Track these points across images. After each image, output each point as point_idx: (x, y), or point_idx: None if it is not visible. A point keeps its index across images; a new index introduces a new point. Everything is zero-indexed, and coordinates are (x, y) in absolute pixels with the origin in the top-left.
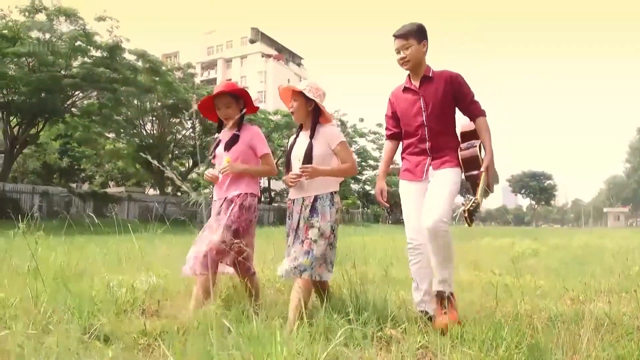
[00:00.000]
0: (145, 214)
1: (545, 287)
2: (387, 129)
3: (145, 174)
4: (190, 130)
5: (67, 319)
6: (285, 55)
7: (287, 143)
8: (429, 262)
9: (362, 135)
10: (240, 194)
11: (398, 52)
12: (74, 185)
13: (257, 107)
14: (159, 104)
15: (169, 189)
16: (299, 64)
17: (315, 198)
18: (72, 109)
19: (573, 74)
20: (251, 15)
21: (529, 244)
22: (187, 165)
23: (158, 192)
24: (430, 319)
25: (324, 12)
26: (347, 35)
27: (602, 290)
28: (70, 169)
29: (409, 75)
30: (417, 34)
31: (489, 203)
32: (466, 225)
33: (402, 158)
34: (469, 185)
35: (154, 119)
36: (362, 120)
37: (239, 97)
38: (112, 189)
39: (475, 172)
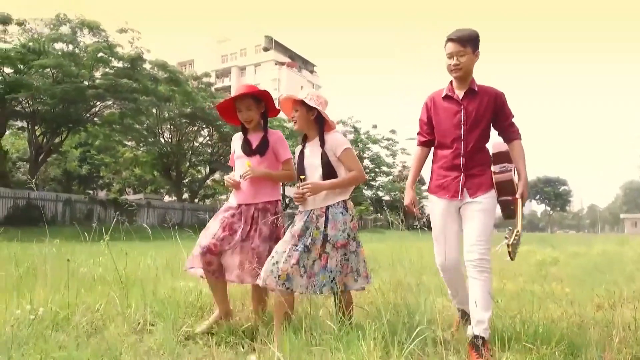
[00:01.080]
0: (164, 221)
1: (571, 294)
2: (420, 134)
3: (163, 181)
4: (207, 138)
5: (164, 320)
6: (298, 62)
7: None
8: (462, 274)
9: (375, 141)
10: (271, 201)
11: (451, 57)
12: (90, 192)
13: (279, 110)
14: (176, 112)
15: (186, 196)
16: (311, 71)
17: (327, 208)
18: (95, 119)
19: (588, 76)
20: (263, 21)
21: (550, 252)
22: (204, 172)
23: (175, 198)
24: (467, 319)
25: (335, 13)
26: (359, 35)
27: (626, 298)
28: (89, 176)
29: (451, 82)
30: (474, 41)
31: None
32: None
33: (433, 170)
34: (500, 208)
35: (171, 127)
36: (375, 126)
37: (260, 99)
38: (131, 196)
39: (509, 198)
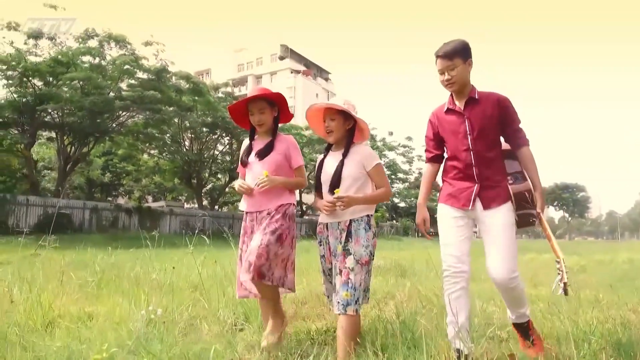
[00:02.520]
0: (186, 228)
1: (604, 300)
2: (427, 151)
3: (184, 188)
4: (227, 146)
5: (253, 320)
6: (313, 70)
7: (316, 162)
8: (468, 291)
9: (391, 148)
10: (283, 204)
11: (442, 74)
12: (110, 199)
13: (292, 115)
14: (199, 121)
15: (205, 202)
16: (326, 79)
17: (350, 222)
18: (121, 129)
19: (607, 80)
20: (279, 28)
21: (577, 260)
22: (223, 180)
23: (195, 205)
24: (466, 358)
25: (350, 16)
26: (374, 39)
27: None
28: (110, 184)
29: (451, 95)
30: (462, 52)
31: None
32: (560, 292)
33: (444, 181)
34: (519, 222)
35: (192, 136)
36: (391, 133)
37: (274, 103)
38: (153, 204)
39: (529, 211)
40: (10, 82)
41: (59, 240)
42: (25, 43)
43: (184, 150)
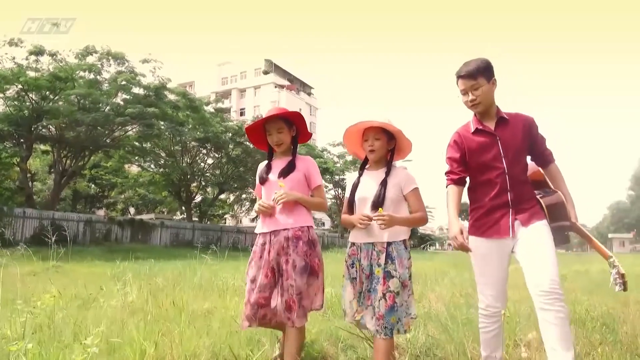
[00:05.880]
0: (176, 240)
1: (589, 301)
2: (452, 172)
3: (173, 201)
4: (218, 159)
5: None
6: (297, 85)
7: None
8: (502, 328)
9: None
10: (303, 227)
11: (465, 94)
12: (93, 210)
13: (310, 134)
14: (189, 137)
15: (195, 216)
16: (309, 94)
17: (388, 244)
18: (116, 143)
19: (576, 101)
20: (264, 43)
21: (559, 269)
22: (213, 193)
23: (181, 217)
24: None
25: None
26: (358, 54)
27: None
28: (95, 196)
29: (475, 114)
30: (485, 71)
31: None
32: (618, 289)
33: (473, 210)
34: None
35: (183, 150)
36: None
37: (291, 123)
38: (142, 216)
39: (563, 223)
40: (7, 96)
41: (59, 253)
42: (26, 59)
43: (182, 164)
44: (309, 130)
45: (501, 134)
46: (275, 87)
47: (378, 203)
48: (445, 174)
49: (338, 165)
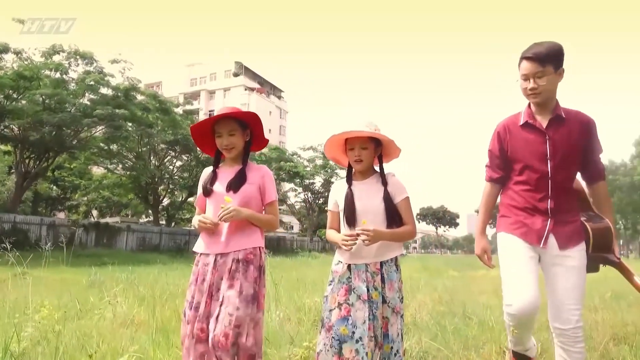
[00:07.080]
0: (143, 244)
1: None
2: (491, 168)
3: (139, 204)
4: (187, 161)
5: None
6: (267, 88)
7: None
8: (534, 325)
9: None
10: (255, 248)
11: (527, 79)
12: (54, 213)
13: (267, 140)
14: (156, 139)
15: (163, 220)
16: (279, 97)
17: (381, 264)
18: (81, 144)
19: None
20: (234, 45)
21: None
22: (181, 196)
23: (147, 220)
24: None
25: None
26: (329, 59)
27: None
28: (57, 198)
29: (529, 105)
30: (555, 58)
31: (457, 232)
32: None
33: (506, 207)
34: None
35: (151, 152)
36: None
37: (246, 125)
38: (107, 219)
39: (606, 255)
40: None
41: (22, 258)
42: None
43: (151, 167)
44: (266, 135)
45: (553, 134)
46: (245, 89)
47: (394, 220)
48: (485, 166)
49: (308, 169)
